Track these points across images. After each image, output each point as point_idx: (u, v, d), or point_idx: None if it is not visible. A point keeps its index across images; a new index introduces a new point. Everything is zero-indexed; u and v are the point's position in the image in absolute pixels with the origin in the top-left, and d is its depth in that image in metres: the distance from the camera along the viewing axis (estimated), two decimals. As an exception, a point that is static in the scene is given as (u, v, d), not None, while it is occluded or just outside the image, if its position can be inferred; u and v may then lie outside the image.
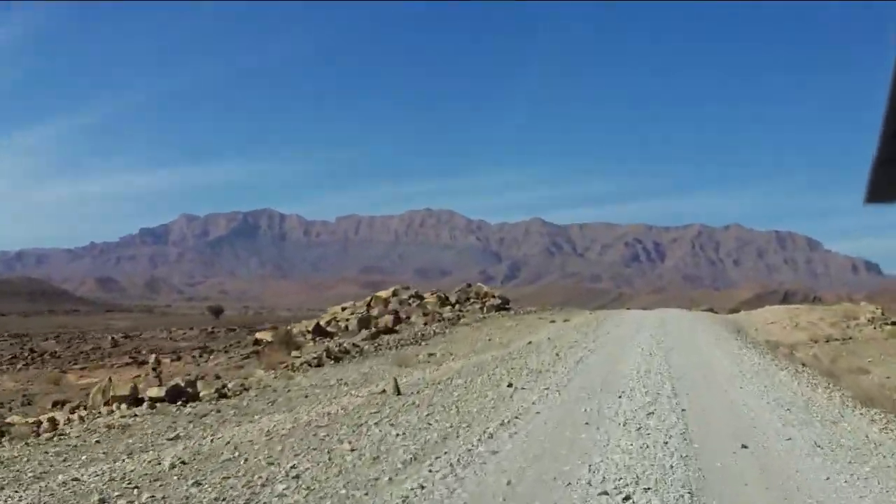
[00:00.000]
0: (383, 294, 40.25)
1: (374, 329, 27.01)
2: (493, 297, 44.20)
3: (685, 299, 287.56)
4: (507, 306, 42.12)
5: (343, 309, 36.60)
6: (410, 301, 38.78)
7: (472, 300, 42.71)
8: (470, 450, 8.18)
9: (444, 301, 40.19)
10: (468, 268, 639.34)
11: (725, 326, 28.45)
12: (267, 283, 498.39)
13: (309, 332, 27.88)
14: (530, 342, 21.39)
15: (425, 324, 29.60)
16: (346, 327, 29.23)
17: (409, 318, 32.06)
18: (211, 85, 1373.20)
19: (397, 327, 28.11)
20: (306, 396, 12.89)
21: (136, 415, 11.48)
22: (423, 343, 22.99)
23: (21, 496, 7.01)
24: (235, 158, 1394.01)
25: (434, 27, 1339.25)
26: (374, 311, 34.51)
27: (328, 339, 26.21)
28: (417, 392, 12.50)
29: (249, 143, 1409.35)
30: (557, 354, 17.61)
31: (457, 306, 39.80)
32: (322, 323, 30.35)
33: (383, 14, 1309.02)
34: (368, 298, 38.83)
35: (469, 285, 46.59)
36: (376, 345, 22.42)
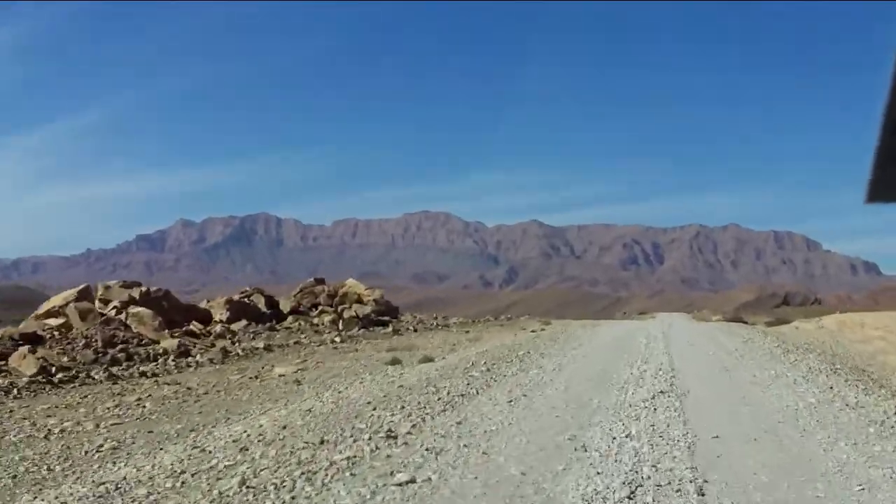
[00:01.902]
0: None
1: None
2: (366, 302, 33.20)
3: (683, 303, 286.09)
4: (384, 319, 31.45)
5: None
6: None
7: (322, 308, 31.88)
8: None
9: (256, 316, 28.45)
10: (466, 272, 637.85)
11: (822, 366, 14.82)
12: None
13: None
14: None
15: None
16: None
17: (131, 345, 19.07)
18: (207, 89, 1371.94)
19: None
20: None
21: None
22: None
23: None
24: (231, 162, 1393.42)
25: (430, 29, 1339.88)
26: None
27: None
28: None
29: (245, 146, 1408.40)
30: None
31: (288, 321, 29.01)
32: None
33: (380, 17, 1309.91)
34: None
35: (319, 282, 35.32)
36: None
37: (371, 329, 28.47)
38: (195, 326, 25.33)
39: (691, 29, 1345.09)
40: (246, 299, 31.27)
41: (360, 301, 33.01)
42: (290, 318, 29.99)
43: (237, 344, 22.14)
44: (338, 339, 24.24)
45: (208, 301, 31.71)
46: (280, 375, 14.78)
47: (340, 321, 29.02)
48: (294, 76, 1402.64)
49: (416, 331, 29.41)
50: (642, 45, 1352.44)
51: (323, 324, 29.12)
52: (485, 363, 14.93)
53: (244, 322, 27.48)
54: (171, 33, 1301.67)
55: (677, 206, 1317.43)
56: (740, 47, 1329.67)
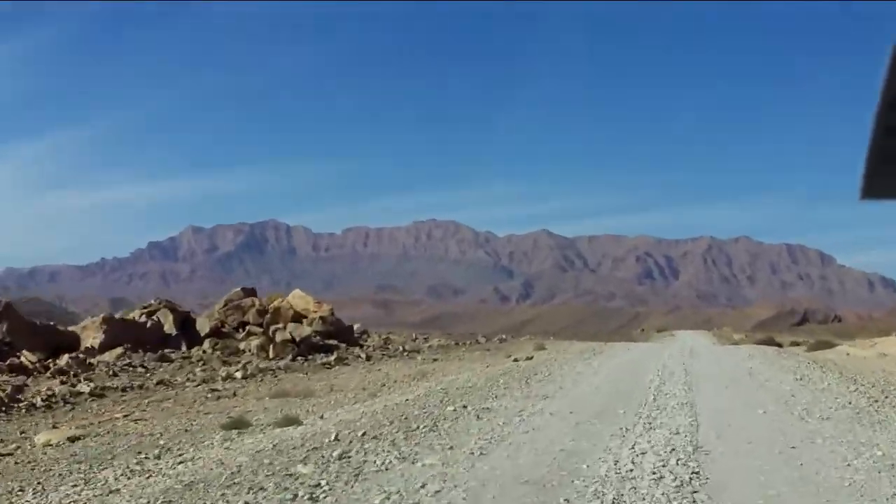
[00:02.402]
0: None
1: None
2: (311, 320, 27.87)
3: (700, 318, 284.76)
4: (330, 344, 26.27)
5: None
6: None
7: (251, 328, 26.74)
8: None
9: (156, 339, 23.64)
10: (481, 285, 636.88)
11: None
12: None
13: None
14: None
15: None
16: None
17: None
18: (216, 96, 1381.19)
19: None
20: None
21: None
22: None
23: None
24: (238, 168, 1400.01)
25: (441, 36, 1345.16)
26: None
27: None
28: None
29: (253, 153, 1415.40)
30: None
31: (205, 345, 24.20)
32: None
33: (388, 24, 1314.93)
34: None
35: (249, 293, 30.13)
36: None
37: (310, 357, 23.49)
38: (26, 359, 19.96)
39: (698, 40, 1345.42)
40: (146, 317, 26.10)
41: (299, 319, 27.68)
42: (207, 342, 24.74)
43: (85, 382, 17.13)
44: (238, 375, 19.15)
45: (102, 318, 25.16)
46: (46, 445, 10.39)
47: (271, 346, 23.74)
48: (303, 84, 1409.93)
49: (368, 359, 24.95)
50: (650, 56, 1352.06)
51: (250, 349, 23.95)
52: (354, 440, 9.43)
53: (120, 350, 22.14)
54: (181, 41, 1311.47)
55: (685, 217, 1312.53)
56: (748, 58, 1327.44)
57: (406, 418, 11.16)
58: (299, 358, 23.27)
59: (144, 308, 27.35)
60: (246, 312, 28.21)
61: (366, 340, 33.80)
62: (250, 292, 30.84)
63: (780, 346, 39.31)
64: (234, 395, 16.28)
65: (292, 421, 11.33)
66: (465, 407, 12.26)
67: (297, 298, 30.43)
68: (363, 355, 26.09)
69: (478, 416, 11.26)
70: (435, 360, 26.18)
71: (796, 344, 45.06)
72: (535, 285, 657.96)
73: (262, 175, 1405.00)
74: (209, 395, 16.18)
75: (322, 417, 11.95)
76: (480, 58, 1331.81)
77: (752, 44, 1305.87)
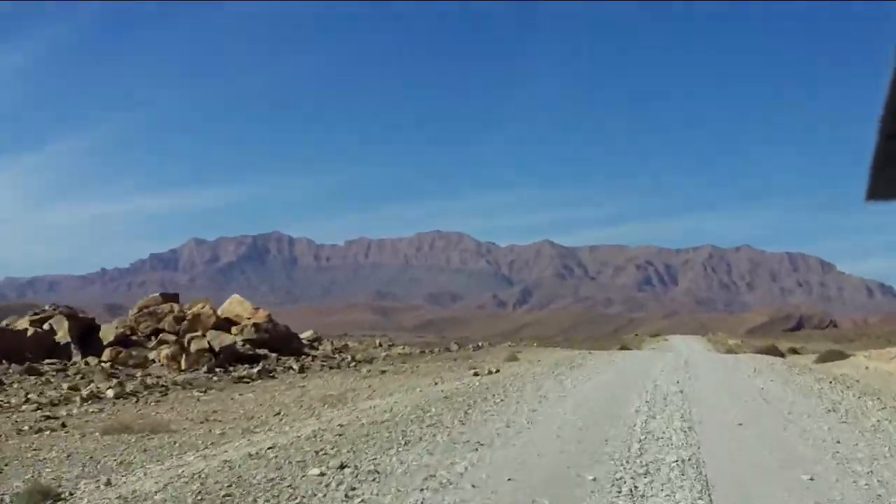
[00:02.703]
0: None
1: None
2: (242, 327, 25.60)
3: (696, 324, 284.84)
4: (259, 353, 24.03)
5: None
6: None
7: (163, 335, 24.09)
8: None
9: (42, 349, 21.20)
10: (480, 292, 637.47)
11: None
12: (278, 310, 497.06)
13: None
14: None
15: None
16: None
17: None
18: (215, 107, 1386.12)
19: None
20: None
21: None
22: None
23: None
24: (241, 181, 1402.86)
25: (442, 44, 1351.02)
26: None
27: None
28: None
29: (255, 164, 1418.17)
30: None
31: (105, 355, 21.51)
32: None
33: (388, 32, 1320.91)
34: None
35: (169, 298, 27.73)
36: None
37: (231, 368, 20.95)
38: None
39: (700, 48, 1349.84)
40: (37, 325, 23.53)
41: (227, 327, 25.19)
42: (108, 352, 22.22)
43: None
44: (110, 394, 16.46)
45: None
46: None
47: (184, 356, 21.18)
48: (303, 94, 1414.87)
49: (302, 370, 22.50)
50: (652, 65, 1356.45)
51: (160, 359, 21.59)
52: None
53: None
54: (182, 49, 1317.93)
55: (688, 227, 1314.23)
56: (754, 66, 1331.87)
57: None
58: (218, 370, 20.52)
59: (36, 314, 24.48)
60: (161, 319, 25.38)
61: (316, 348, 31.15)
62: (171, 298, 28.03)
63: (782, 355, 36.22)
64: (64, 426, 12.94)
65: (44, 496, 7.34)
66: (342, 468, 7.94)
67: (235, 304, 28.21)
68: (296, 367, 23.20)
69: (346, 496, 6.78)
70: (383, 372, 23.13)
71: (795, 351, 42.57)
72: (534, 292, 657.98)
73: (266, 187, 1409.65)
74: (30, 427, 12.81)
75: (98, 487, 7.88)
76: (483, 65, 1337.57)
77: (754, 49, 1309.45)
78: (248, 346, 24.48)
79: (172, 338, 23.74)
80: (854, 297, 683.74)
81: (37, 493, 7.31)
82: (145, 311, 26.33)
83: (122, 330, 25.06)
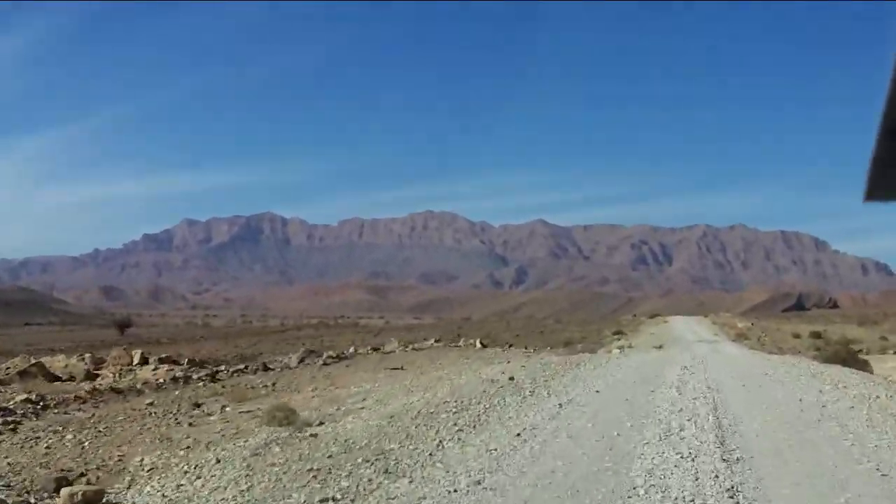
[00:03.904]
0: None
1: None
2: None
3: (694, 303, 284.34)
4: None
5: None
6: None
7: None
8: None
9: None
10: (475, 272, 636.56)
11: None
12: (272, 289, 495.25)
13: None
14: None
15: None
16: None
17: None
18: (211, 90, 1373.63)
19: None
20: None
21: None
22: None
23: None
24: (234, 162, 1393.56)
25: (434, 28, 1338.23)
26: None
27: None
28: None
29: (248, 146, 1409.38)
30: None
31: None
32: None
33: (381, 16, 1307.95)
34: None
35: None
36: None
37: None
38: None
39: (693, 29, 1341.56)
40: None
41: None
42: None
43: None
44: None
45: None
46: None
47: None
48: (298, 77, 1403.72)
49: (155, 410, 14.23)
50: (645, 46, 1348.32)
51: None
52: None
53: None
54: (175, 36, 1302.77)
55: (682, 207, 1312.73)
56: (744, 47, 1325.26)
57: None
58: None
59: None
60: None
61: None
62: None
63: (859, 360, 22.17)
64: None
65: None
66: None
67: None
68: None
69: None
70: (269, 383, 17.32)
71: (818, 336, 39.14)
72: (529, 272, 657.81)
73: (259, 169, 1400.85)
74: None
75: None
76: (476, 50, 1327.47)
77: (748, 35, 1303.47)
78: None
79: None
80: (850, 276, 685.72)
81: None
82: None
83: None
